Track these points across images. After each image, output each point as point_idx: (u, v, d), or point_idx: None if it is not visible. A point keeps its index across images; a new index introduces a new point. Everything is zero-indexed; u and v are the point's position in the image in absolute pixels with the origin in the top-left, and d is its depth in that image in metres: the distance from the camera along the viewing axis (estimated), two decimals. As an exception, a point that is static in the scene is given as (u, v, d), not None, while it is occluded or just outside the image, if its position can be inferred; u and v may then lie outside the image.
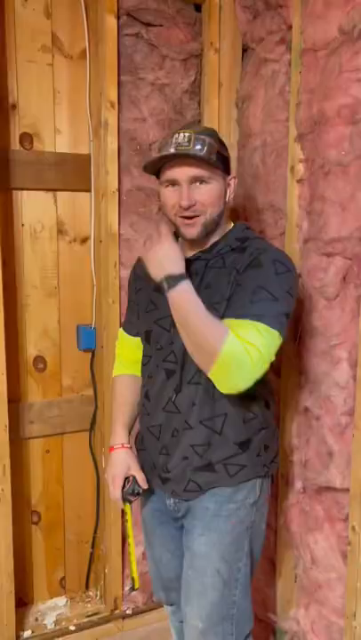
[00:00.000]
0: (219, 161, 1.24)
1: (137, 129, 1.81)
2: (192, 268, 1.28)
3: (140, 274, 1.41)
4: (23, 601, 1.94)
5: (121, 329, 1.54)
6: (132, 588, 1.45)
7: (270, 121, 1.64)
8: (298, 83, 1.50)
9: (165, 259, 1.19)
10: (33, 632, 1.85)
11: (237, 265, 1.23)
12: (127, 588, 1.94)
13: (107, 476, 1.40)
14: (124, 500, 1.35)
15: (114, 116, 1.74)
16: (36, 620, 1.91)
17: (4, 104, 1.72)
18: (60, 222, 1.86)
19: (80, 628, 1.89)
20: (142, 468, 1.38)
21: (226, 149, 1.29)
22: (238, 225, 1.35)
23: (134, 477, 1.35)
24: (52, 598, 2.00)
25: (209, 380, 1.19)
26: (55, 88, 1.78)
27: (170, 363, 1.30)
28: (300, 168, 1.52)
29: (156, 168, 1.28)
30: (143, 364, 1.41)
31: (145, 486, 1.34)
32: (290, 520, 1.64)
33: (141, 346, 1.44)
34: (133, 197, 1.84)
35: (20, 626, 1.84)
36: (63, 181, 1.82)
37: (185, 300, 1.16)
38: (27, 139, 1.77)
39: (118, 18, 1.71)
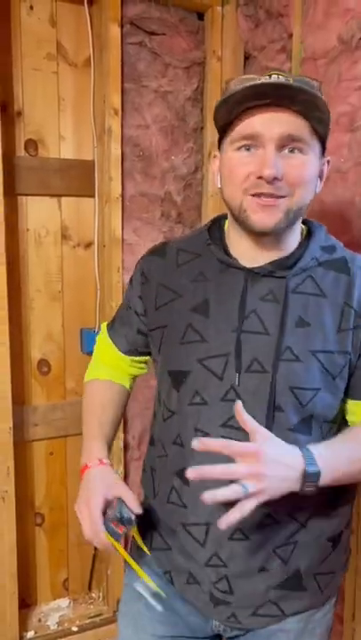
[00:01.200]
0: (325, 126, 0.84)
1: (140, 135, 1.84)
2: (260, 288, 0.88)
3: (159, 278, 0.98)
4: (26, 602, 1.96)
5: (107, 335, 1.14)
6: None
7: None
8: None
9: (286, 464, 0.79)
10: (36, 633, 1.87)
11: (349, 298, 0.87)
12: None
13: (76, 507, 0.92)
14: (108, 532, 0.87)
15: (117, 123, 1.77)
16: (39, 620, 1.93)
17: (10, 111, 1.74)
18: (65, 227, 1.88)
19: (83, 629, 1.91)
20: (170, 576, 0.97)
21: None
22: (315, 226, 0.95)
23: (120, 500, 0.88)
24: (55, 599, 2.02)
25: None
26: (60, 95, 1.81)
27: (232, 429, 0.86)
28: (301, 174, 1.54)
29: (230, 116, 0.83)
30: (163, 419, 0.97)
31: (137, 510, 0.88)
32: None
33: (134, 364, 1.10)
34: (137, 203, 1.87)
35: (23, 626, 1.85)
36: (67, 187, 1.85)
37: (336, 470, 0.83)
38: (32, 145, 1.79)
39: (122, 27, 1.74)
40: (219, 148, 0.90)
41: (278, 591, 0.90)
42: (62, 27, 1.78)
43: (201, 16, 1.89)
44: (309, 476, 0.78)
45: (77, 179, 1.86)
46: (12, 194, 1.76)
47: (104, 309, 1.89)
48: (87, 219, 1.90)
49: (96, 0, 1.76)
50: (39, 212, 1.84)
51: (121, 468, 1.90)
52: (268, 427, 0.84)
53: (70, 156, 1.85)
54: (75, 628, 1.90)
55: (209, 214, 1.96)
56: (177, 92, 1.88)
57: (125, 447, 1.92)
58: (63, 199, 1.86)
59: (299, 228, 0.92)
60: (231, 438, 0.82)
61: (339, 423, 0.93)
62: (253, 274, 0.89)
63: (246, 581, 0.90)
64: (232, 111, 0.83)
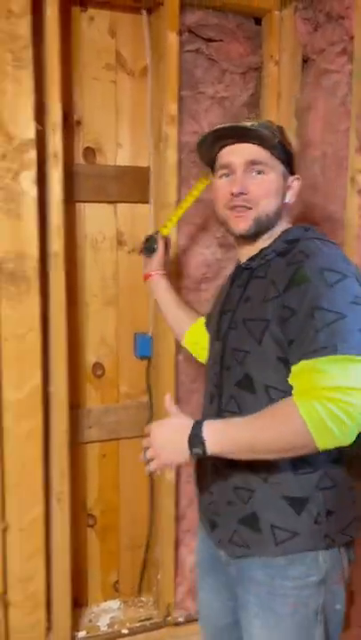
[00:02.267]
0: (281, 152, 1.12)
1: (196, 142, 1.84)
2: (239, 278, 1.18)
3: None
4: (78, 602, 1.99)
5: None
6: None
7: (331, 131, 1.64)
8: (359, 93, 1.49)
9: (172, 432, 1.04)
10: (87, 633, 1.89)
11: (275, 276, 1.04)
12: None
13: None
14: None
15: (174, 130, 1.78)
16: (90, 621, 1.95)
17: (70, 120, 1.79)
18: (120, 233, 1.91)
19: (133, 632, 1.91)
20: (200, 511, 1.27)
21: (291, 146, 1.17)
22: (295, 226, 1.17)
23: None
24: (105, 601, 2.04)
25: (251, 412, 1.02)
26: (118, 104, 1.84)
27: (212, 386, 1.18)
28: (361, 179, 1.51)
29: (212, 153, 1.17)
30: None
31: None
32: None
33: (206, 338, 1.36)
34: (191, 208, 1.86)
35: (75, 626, 1.88)
36: (123, 193, 1.88)
37: (227, 441, 1.00)
38: (90, 153, 1.83)
39: (180, 35, 1.75)
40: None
41: (241, 525, 1.10)
42: (121, 37, 1.82)
43: (258, 21, 1.88)
44: (191, 443, 1.00)
45: (133, 185, 1.88)
46: (70, 201, 1.80)
47: (158, 314, 1.90)
48: (142, 224, 1.92)
49: (155, 9, 1.79)
50: (96, 219, 1.87)
51: (172, 473, 1.90)
52: (221, 381, 1.13)
53: (127, 163, 1.88)
54: (125, 631, 1.91)
55: (264, 220, 1.94)
56: (233, 98, 1.88)
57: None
58: (119, 205, 1.89)
59: (278, 230, 1.15)
60: (212, 393, 1.18)
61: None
62: (241, 269, 1.19)
63: (222, 509, 1.13)
64: (211, 149, 1.16)
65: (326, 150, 1.66)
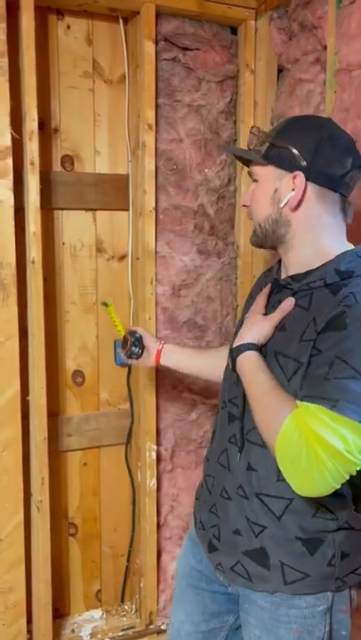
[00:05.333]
0: (269, 156, 1.02)
1: (174, 149, 1.85)
2: (277, 296, 1.08)
3: (252, 291, 1.25)
4: (60, 612, 1.97)
5: None
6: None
7: (305, 139, 1.66)
8: (332, 102, 1.51)
9: (249, 331, 1.05)
10: (69, 643, 1.88)
11: (317, 313, 0.93)
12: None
13: None
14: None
15: (151, 138, 1.79)
16: (73, 631, 1.93)
17: (47, 128, 1.79)
18: (99, 240, 1.91)
19: (115, 642, 1.91)
20: (195, 522, 1.20)
21: (294, 142, 1.00)
22: (349, 252, 0.99)
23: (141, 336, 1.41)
24: (88, 610, 2.02)
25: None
26: (95, 112, 1.85)
27: (234, 406, 1.08)
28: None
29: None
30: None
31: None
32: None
33: None
34: (170, 216, 1.88)
35: (56, 637, 1.86)
36: (102, 201, 1.88)
37: (247, 368, 1.00)
38: (68, 160, 1.83)
39: (156, 43, 1.76)
40: None
41: (247, 558, 1.03)
42: (98, 45, 1.82)
43: (234, 30, 1.90)
44: (240, 348, 1.02)
45: (112, 193, 1.89)
46: (48, 208, 1.80)
47: (137, 321, 1.90)
48: (121, 232, 1.93)
49: (131, 18, 1.80)
50: (75, 226, 1.87)
51: (154, 480, 1.90)
52: (243, 410, 1.04)
53: (105, 171, 1.88)
54: (107, 640, 1.91)
55: (242, 226, 1.95)
56: (210, 106, 1.89)
57: (158, 459, 1.92)
58: (98, 213, 1.90)
59: (312, 245, 1.02)
60: (232, 414, 1.08)
61: None
62: (279, 285, 1.09)
63: (227, 536, 1.06)
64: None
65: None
